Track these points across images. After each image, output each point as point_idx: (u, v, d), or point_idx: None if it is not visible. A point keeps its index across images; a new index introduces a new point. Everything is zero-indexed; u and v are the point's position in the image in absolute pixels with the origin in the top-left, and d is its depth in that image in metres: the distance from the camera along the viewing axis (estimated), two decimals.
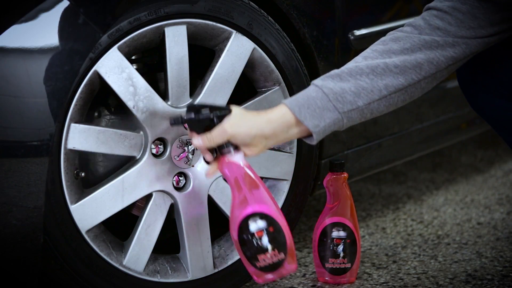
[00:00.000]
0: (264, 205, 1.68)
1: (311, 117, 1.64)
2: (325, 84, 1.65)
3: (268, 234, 1.67)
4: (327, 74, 1.67)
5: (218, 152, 1.71)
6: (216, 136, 1.68)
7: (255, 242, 1.68)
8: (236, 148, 1.69)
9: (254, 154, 1.70)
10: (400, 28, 1.70)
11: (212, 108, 1.68)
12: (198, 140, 1.69)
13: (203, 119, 1.68)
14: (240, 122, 1.68)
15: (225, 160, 1.70)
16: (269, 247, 1.67)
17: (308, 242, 2.35)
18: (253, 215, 1.67)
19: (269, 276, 1.70)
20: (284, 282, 2.06)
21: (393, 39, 1.68)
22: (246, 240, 1.68)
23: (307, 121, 1.64)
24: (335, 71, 1.67)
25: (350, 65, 1.67)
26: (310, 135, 1.67)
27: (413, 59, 1.65)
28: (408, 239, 2.35)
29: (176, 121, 1.72)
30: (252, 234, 1.67)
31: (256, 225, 1.67)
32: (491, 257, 2.18)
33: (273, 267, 1.68)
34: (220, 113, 1.67)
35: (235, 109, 1.69)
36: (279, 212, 1.69)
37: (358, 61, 1.67)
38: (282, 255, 1.68)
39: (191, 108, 1.69)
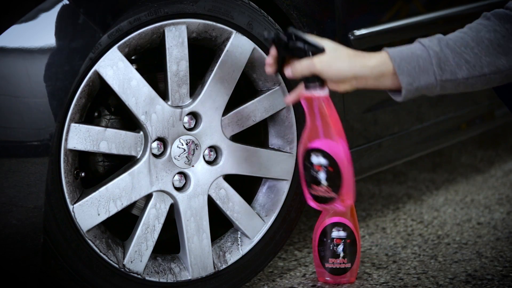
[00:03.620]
0: (331, 146, 1.69)
1: (408, 74, 1.61)
2: (432, 46, 1.62)
3: (327, 172, 1.70)
4: (435, 36, 1.64)
5: (304, 83, 1.70)
6: (304, 67, 1.65)
7: (313, 173, 1.71)
8: (323, 84, 1.68)
9: (340, 91, 1.67)
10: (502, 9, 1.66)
11: (308, 42, 1.65)
12: (287, 71, 1.68)
13: (295, 48, 1.66)
14: (332, 61, 1.64)
15: (307, 92, 1.69)
16: (324, 183, 1.71)
17: (308, 242, 2.35)
18: (318, 150, 1.70)
19: (316, 205, 1.76)
20: (284, 282, 2.06)
21: (495, 15, 1.64)
22: (307, 167, 1.73)
23: (403, 76, 1.61)
24: (441, 35, 1.64)
25: (456, 34, 1.63)
26: (399, 90, 1.64)
27: None
28: (408, 239, 2.35)
29: (269, 36, 1.71)
30: (312, 165, 1.71)
31: (317, 160, 1.71)
32: (491, 257, 2.18)
33: (323, 200, 1.73)
34: (314, 49, 1.65)
35: (330, 44, 1.66)
36: (345, 157, 1.69)
37: (464, 32, 1.63)
38: (333, 194, 1.71)
39: (289, 34, 1.67)
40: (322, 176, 1.71)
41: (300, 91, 1.72)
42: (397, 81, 1.62)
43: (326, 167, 1.70)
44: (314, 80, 1.67)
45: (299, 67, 1.66)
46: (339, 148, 1.70)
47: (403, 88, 1.62)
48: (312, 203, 1.76)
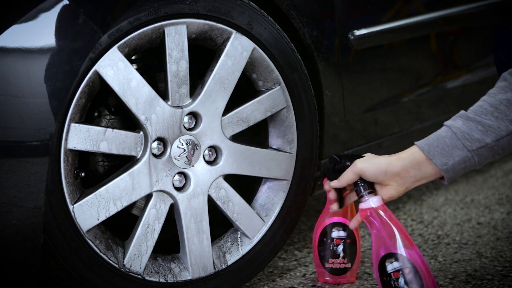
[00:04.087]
0: (399, 247, 1.73)
1: (440, 155, 1.69)
2: (454, 123, 1.70)
3: (404, 276, 1.72)
4: (457, 114, 1.72)
5: (356, 192, 1.80)
6: (348, 173, 1.79)
7: (393, 284, 1.74)
8: (372, 191, 1.78)
9: (392, 195, 1.76)
10: None
11: (349, 156, 1.82)
12: (334, 182, 1.82)
13: (342, 167, 1.82)
14: (370, 159, 1.78)
15: (361, 205, 1.79)
16: None
17: (308, 242, 2.35)
18: (388, 256, 1.74)
19: None
20: (284, 282, 2.06)
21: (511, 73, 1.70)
22: (385, 281, 1.75)
23: (435, 159, 1.70)
24: (463, 111, 1.72)
25: (477, 104, 1.71)
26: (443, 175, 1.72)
27: None
28: None
29: (320, 174, 1.89)
30: (389, 275, 1.74)
31: (392, 266, 1.74)
32: (491, 257, 2.18)
33: None
34: (355, 157, 1.79)
35: (367, 154, 1.81)
36: (416, 254, 1.73)
37: (484, 99, 1.71)
38: None
39: (332, 160, 1.83)
40: (401, 282, 1.73)
41: (359, 209, 1.80)
42: (435, 166, 1.70)
43: (402, 271, 1.72)
44: (361, 185, 1.78)
45: (345, 174, 1.79)
46: (407, 248, 1.73)
47: (441, 170, 1.70)
48: None
